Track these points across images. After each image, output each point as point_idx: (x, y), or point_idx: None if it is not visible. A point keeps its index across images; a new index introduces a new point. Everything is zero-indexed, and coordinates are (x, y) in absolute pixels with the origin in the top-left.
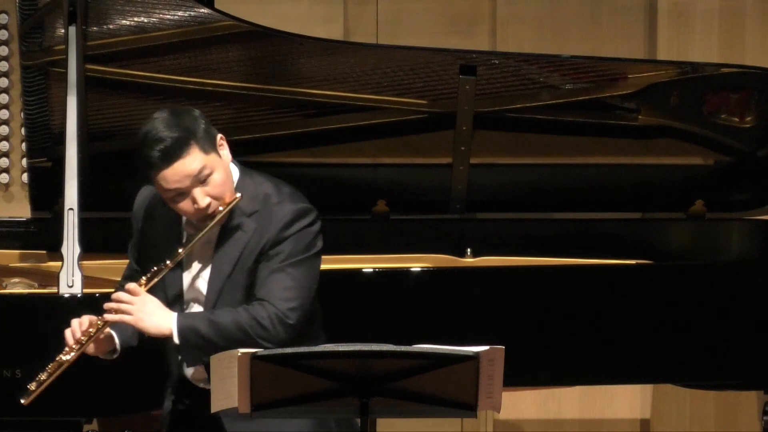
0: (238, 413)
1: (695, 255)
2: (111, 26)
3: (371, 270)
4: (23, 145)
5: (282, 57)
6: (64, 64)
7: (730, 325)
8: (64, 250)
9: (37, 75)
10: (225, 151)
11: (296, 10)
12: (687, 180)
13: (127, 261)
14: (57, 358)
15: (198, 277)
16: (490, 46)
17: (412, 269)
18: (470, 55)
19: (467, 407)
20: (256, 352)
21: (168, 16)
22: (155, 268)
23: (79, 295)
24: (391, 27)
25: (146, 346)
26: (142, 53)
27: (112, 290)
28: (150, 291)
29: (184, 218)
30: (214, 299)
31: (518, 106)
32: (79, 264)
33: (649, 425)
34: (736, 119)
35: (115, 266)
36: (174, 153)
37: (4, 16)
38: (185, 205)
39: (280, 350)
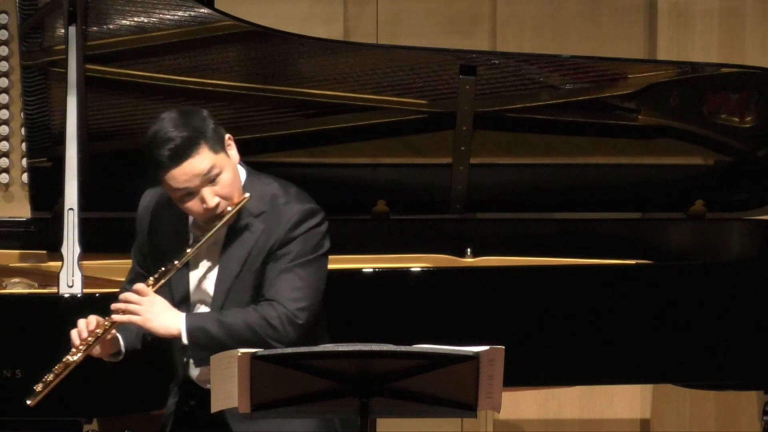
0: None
1: (695, 255)
2: (111, 26)
3: (371, 270)
4: (23, 145)
5: (282, 57)
6: (64, 64)
7: (730, 325)
8: (64, 250)
9: (37, 75)
10: (233, 151)
11: (296, 10)
12: (687, 180)
13: (127, 261)
14: (63, 359)
15: (205, 279)
16: (490, 46)
17: (412, 269)
18: (470, 55)
19: (467, 407)
20: (256, 352)
21: (168, 16)
22: (163, 269)
23: (79, 295)
24: (391, 27)
25: (146, 347)
26: (142, 53)
27: (112, 290)
28: (156, 293)
29: (190, 220)
30: (221, 300)
31: (518, 106)
32: (79, 264)
33: (649, 425)
34: (736, 119)
35: (115, 266)
36: (183, 152)
37: (4, 16)
38: (194, 204)
39: (280, 350)
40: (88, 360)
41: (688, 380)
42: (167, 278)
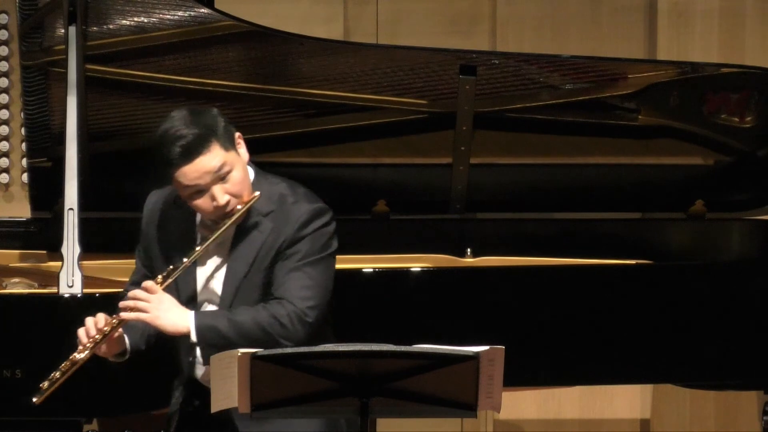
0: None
1: (695, 255)
2: (111, 26)
3: (371, 270)
4: (23, 145)
5: (282, 57)
6: (64, 64)
7: (730, 325)
8: (64, 250)
9: (37, 75)
10: (243, 149)
11: (296, 10)
12: (687, 180)
13: (127, 261)
14: (70, 357)
15: (212, 278)
16: (490, 46)
17: (412, 269)
18: (470, 55)
19: (467, 407)
20: (256, 352)
21: (168, 16)
22: (171, 267)
23: (79, 295)
24: (391, 27)
25: (150, 347)
26: (142, 53)
27: (113, 290)
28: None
29: (198, 219)
30: (229, 299)
31: (518, 106)
32: (79, 264)
33: (649, 425)
34: (736, 119)
35: (115, 266)
36: (194, 149)
37: (4, 16)
38: (203, 202)
39: (280, 350)
40: (90, 359)
41: (688, 380)
42: (176, 275)
